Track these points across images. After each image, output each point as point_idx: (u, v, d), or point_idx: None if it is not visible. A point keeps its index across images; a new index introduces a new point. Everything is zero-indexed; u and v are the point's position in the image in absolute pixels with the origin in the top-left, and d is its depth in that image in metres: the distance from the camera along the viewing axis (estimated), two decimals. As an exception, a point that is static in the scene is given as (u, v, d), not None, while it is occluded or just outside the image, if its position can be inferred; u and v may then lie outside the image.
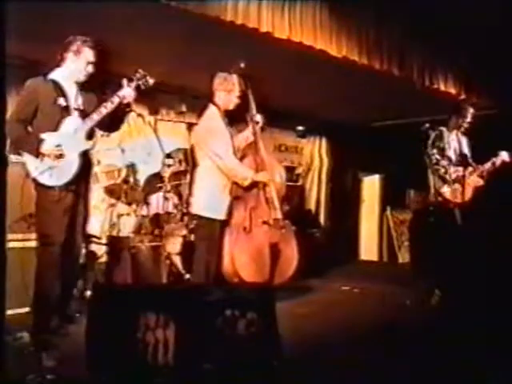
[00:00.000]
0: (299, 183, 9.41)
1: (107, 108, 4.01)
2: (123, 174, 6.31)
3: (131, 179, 6.33)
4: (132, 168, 6.39)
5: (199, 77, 6.51)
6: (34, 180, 3.86)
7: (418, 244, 6.61)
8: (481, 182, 6.07)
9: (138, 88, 4.20)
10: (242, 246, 5.09)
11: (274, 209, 5.25)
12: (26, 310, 4.49)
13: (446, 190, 6.00)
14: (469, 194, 6.00)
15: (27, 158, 3.86)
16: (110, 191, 6.14)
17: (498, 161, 6.10)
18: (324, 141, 10.22)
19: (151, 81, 4.22)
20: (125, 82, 4.16)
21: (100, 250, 5.83)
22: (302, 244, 5.57)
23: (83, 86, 4.17)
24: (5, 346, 2.99)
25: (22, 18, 3.93)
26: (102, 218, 6.23)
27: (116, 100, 4.04)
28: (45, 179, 3.84)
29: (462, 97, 6.59)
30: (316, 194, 10.10)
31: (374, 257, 10.43)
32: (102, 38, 4.15)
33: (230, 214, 5.09)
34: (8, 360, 2.86)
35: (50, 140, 3.87)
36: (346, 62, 5.97)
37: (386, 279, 7.09)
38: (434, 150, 6.03)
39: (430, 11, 6.00)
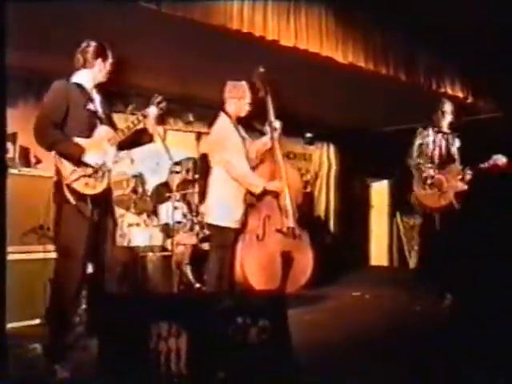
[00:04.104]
0: (308, 190, 9.41)
1: (135, 125, 3.97)
2: (132, 184, 6.32)
3: (140, 189, 6.32)
4: (140, 178, 6.38)
5: (206, 86, 6.56)
6: (68, 186, 3.68)
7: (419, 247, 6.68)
8: (463, 187, 5.79)
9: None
10: (253, 254, 5.07)
11: (287, 217, 5.22)
12: (37, 321, 4.52)
13: (422, 194, 5.93)
14: (447, 199, 5.82)
15: (63, 163, 3.69)
16: (119, 201, 6.13)
17: (485, 165, 5.75)
18: (332, 147, 10.24)
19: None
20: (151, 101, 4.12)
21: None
22: (317, 253, 5.51)
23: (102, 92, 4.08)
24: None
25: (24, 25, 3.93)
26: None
27: (141, 118, 3.99)
28: (80, 187, 3.72)
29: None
30: (325, 200, 10.11)
31: (385, 262, 10.40)
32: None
33: (244, 221, 5.09)
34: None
35: (93, 153, 3.78)
36: (352, 68, 5.99)
37: (397, 285, 7.06)
38: (416, 153, 5.95)
39: (433, 15, 6.00)
